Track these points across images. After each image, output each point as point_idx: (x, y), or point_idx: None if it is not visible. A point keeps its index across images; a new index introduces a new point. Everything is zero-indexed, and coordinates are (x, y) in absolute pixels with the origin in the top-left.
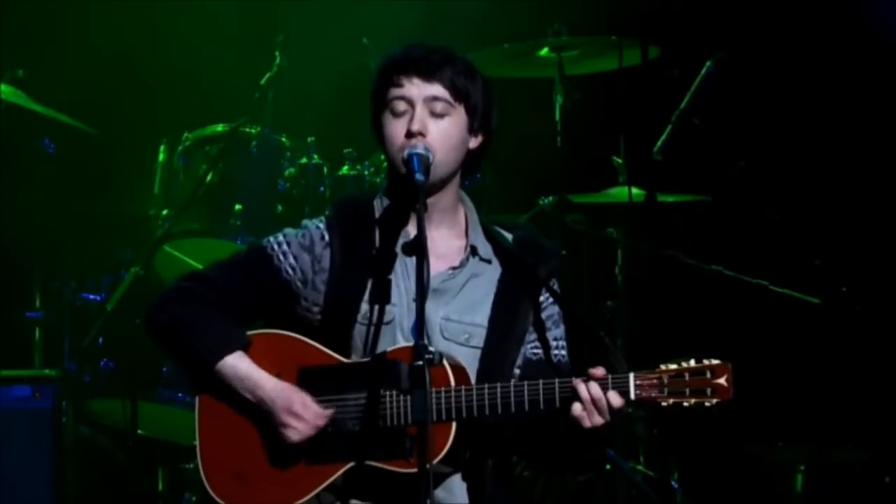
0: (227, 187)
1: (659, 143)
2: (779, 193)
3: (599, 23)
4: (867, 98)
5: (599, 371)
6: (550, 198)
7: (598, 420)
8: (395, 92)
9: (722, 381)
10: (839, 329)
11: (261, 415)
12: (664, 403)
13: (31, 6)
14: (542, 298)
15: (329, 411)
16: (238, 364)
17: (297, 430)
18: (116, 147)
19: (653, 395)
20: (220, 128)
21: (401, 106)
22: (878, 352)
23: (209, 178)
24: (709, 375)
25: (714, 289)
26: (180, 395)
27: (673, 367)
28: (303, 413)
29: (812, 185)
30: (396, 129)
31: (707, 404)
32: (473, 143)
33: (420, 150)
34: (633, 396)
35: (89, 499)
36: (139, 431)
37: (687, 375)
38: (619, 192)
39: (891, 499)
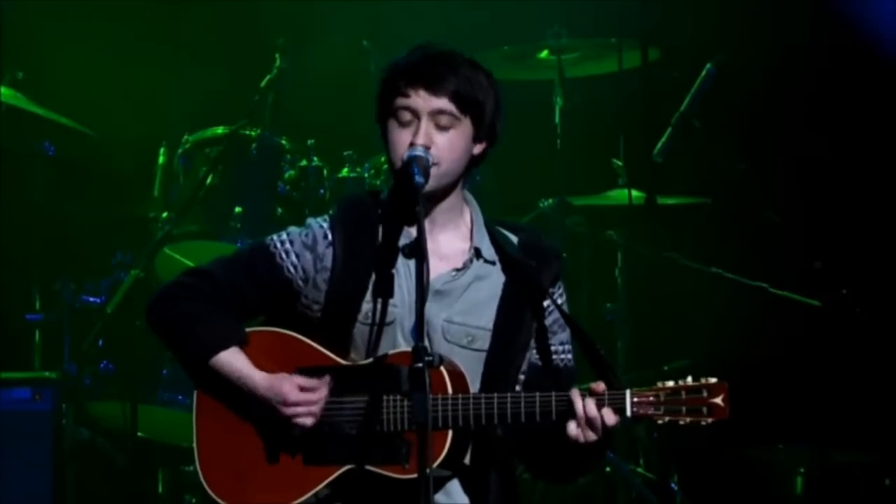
0: (227, 190)
1: (659, 145)
2: (779, 195)
3: (599, 25)
4: (867, 100)
5: (598, 387)
6: (551, 200)
7: (593, 436)
8: (401, 102)
9: (718, 400)
10: (839, 331)
11: (258, 412)
12: (660, 421)
13: (31, 8)
14: (546, 303)
15: (324, 386)
16: (232, 360)
17: (305, 416)
18: (116, 149)
19: (649, 412)
20: (220, 130)
21: (406, 116)
22: (878, 354)
23: (209, 180)
24: (705, 394)
25: (714, 291)
26: (180, 397)
27: (670, 384)
28: (300, 399)
29: (812, 188)
30: (402, 139)
31: (703, 423)
32: (478, 149)
33: (419, 153)
34: (629, 414)
35: (89, 501)
36: (139, 434)
37: (684, 393)
38: (619, 195)
39: (891, 501)
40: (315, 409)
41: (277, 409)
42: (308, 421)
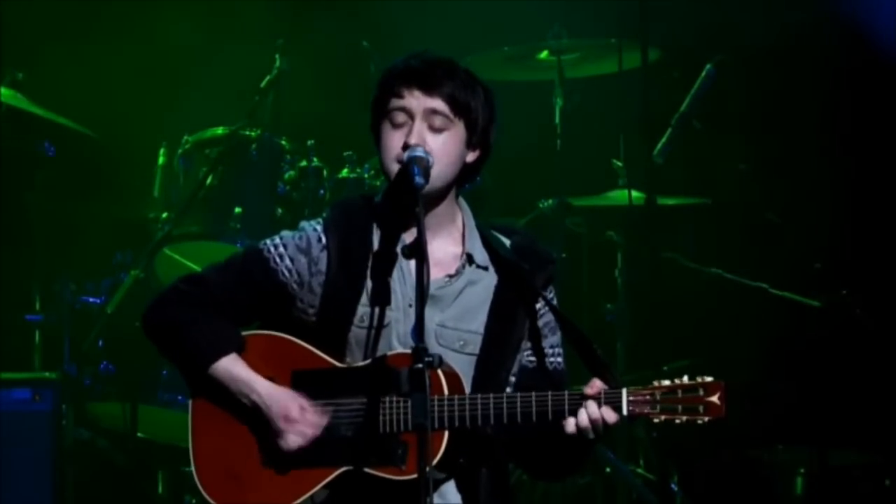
0: (227, 190)
1: (659, 145)
2: (779, 196)
3: (599, 25)
4: (868, 100)
5: (594, 387)
6: (550, 201)
7: (591, 434)
8: (395, 102)
9: (714, 398)
10: (839, 332)
11: (255, 417)
12: (656, 420)
13: (31, 8)
14: (538, 306)
15: (327, 413)
16: (232, 366)
17: (296, 435)
18: (116, 150)
19: (645, 410)
20: (219, 131)
21: (400, 117)
22: (878, 355)
23: (209, 181)
24: (701, 393)
25: (714, 292)
26: (180, 398)
27: (666, 383)
28: (300, 418)
29: (813, 188)
30: (394, 140)
31: (699, 422)
32: (471, 156)
33: (420, 154)
34: (625, 412)
35: (89, 501)
36: (139, 434)
37: (680, 392)
38: (619, 195)
39: (891, 502)
40: (309, 435)
41: (273, 420)
42: (294, 442)
